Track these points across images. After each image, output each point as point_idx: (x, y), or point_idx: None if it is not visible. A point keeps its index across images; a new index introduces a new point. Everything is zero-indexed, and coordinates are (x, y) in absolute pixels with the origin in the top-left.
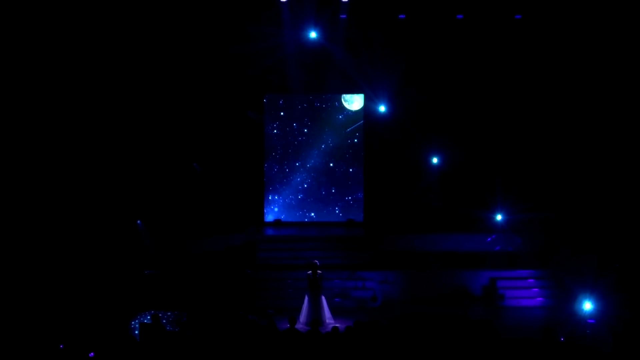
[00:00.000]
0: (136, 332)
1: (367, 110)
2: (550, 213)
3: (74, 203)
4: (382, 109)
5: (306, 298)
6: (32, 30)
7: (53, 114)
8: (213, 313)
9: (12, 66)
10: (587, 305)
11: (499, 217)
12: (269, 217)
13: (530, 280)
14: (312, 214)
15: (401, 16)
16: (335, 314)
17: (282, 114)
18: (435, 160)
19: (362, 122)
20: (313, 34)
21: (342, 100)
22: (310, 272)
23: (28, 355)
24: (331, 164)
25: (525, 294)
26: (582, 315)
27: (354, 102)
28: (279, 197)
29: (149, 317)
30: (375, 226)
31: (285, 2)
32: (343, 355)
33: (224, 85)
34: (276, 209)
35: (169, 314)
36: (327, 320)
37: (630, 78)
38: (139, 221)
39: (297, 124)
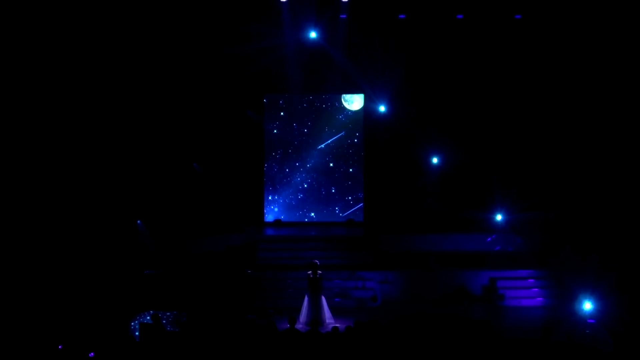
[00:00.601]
0: (136, 332)
1: (367, 110)
2: (550, 213)
3: (74, 203)
4: (382, 109)
5: (306, 298)
6: (32, 31)
7: (53, 115)
8: (213, 313)
9: (13, 67)
10: (587, 305)
11: (499, 217)
12: (269, 217)
13: (530, 280)
14: (312, 214)
15: (401, 16)
16: (335, 314)
17: (282, 114)
18: (435, 160)
19: (333, 139)
20: (313, 34)
21: (342, 100)
22: (310, 272)
23: (28, 355)
24: (331, 164)
25: (525, 294)
26: (582, 315)
27: (354, 102)
28: (279, 197)
29: (148, 317)
30: (375, 226)
31: (285, 2)
32: (343, 355)
33: (224, 86)
34: (276, 209)
35: (168, 314)
36: (327, 320)
37: (630, 77)
38: (139, 221)
39: (297, 124)
